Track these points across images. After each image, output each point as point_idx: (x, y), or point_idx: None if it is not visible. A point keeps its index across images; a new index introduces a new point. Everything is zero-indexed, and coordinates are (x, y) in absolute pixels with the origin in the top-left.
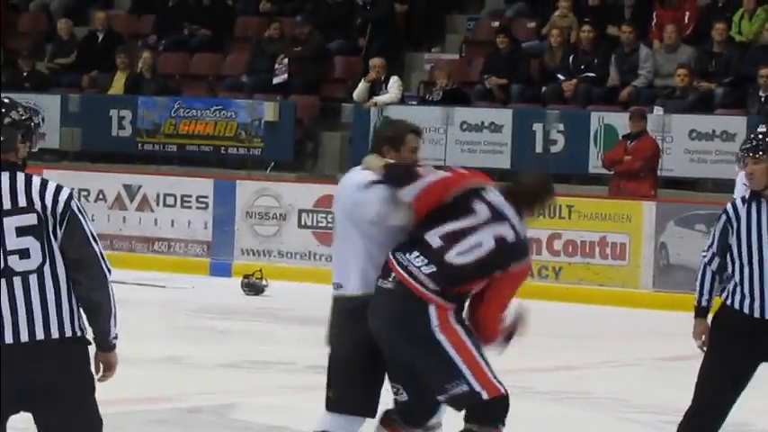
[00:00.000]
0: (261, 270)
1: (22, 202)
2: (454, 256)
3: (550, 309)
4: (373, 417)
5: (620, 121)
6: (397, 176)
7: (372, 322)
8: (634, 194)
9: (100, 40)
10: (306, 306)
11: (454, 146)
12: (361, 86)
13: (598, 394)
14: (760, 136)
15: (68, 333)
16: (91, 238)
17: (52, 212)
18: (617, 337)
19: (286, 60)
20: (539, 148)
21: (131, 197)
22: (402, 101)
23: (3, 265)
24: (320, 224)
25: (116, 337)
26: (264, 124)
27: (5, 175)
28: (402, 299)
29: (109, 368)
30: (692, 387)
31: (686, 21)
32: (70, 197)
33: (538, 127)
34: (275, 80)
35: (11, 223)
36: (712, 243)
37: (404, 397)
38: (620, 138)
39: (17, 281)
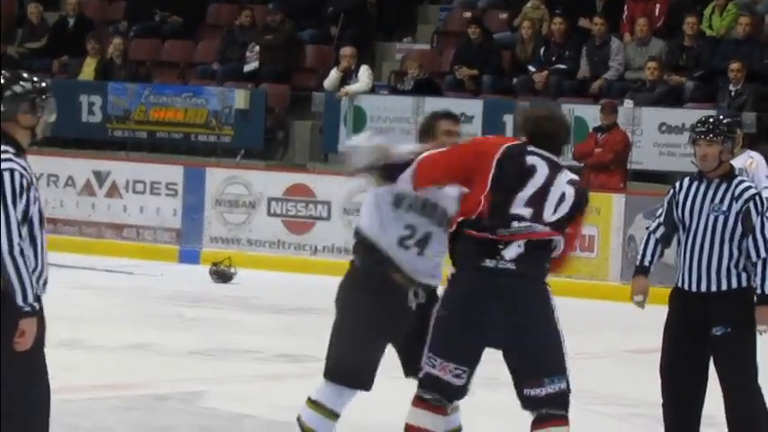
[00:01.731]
0: (230, 258)
1: None
2: (550, 216)
3: None
4: (368, 390)
5: (591, 114)
6: (389, 173)
7: (487, 301)
8: (604, 187)
9: (71, 25)
10: (274, 294)
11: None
12: (333, 75)
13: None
14: (711, 119)
15: None
16: (0, 214)
17: None
18: (585, 329)
19: (257, 48)
20: None
21: (101, 183)
22: (372, 90)
23: None
24: (290, 213)
25: (29, 307)
26: (235, 112)
27: None
28: (525, 279)
29: (19, 334)
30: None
31: (657, 14)
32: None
33: (508, 118)
34: (246, 68)
35: None
36: (660, 214)
37: (462, 382)
38: (591, 130)
39: None
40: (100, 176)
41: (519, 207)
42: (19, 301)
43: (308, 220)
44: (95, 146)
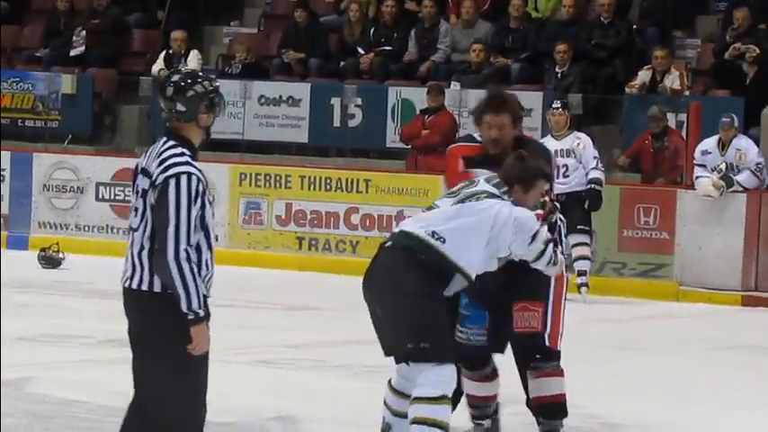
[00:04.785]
0: (58, 243)
1: (150, 167)
2: None
3: (348, 283)
4: None
5: (418, 96)
6: None
7: None
8: (432, 169)
9: None
10: (103, 279)
11: (252, 120)
12: (161, 60)
13: (392, 367)
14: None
15: (157, 288)
16: (171, 217)
17: (154, 181)
18: None
19: (84, 33)
20: (337, 123)
21: None
22: None
23: (131, 218)
24: (118, 197)
25: (193, 314)
26: (62, 97)
27: (162, 140)
28: None
29: (189, 340)
30: None
31: None
32: (174, 175)
33: (336, 101)
34: (72, 52)
35: (140, 184)
36: None
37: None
38: (418, 112)
39: (130, 235)
40: None
41: None
42: (183, 307)
43: None
44: None
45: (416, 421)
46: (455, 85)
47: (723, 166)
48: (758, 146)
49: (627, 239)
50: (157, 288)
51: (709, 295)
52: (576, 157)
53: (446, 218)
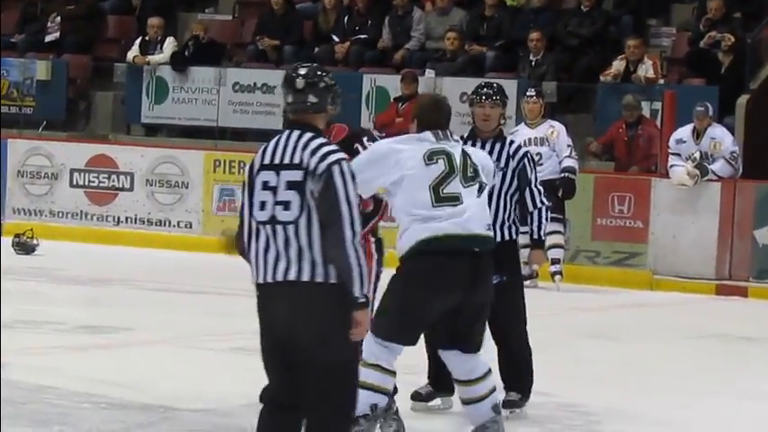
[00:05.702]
0: (32, 229)
1: (297, 159)
2: None
3: None
4: None
5: (392, 84)
6: None
7: None
8: None
9: None
10: (77, 265)
11: (227, 106)
12: (136, 46)
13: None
14: (494, 85)
15: (305, 278)
16: (342, 202)
17: (313, 172)
18: None
19: (58, 19)
20: None
21: None
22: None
23: (271, 213)
24: (92, 183)
25: (364, 298)
26: (36, 83)
27: (296, 133)
28: None
29: (355, 325)
30: None
31: None
32: (335, 162)
33: None
34: (47, 38)
35: (283, 177)
36: None
37: None
38: (392, 100)
39: (279, 229)
40: None
41: None
42: (356, 291)
43: (110, 191)
44: None
45: (493, 390)
46: (429, 73)
47: (697, 155)
48: (733, 135)
49: (601, 228)
50: (320, 278)
51: (683, 284)
52: (550, 146)
53: (484, 208)
